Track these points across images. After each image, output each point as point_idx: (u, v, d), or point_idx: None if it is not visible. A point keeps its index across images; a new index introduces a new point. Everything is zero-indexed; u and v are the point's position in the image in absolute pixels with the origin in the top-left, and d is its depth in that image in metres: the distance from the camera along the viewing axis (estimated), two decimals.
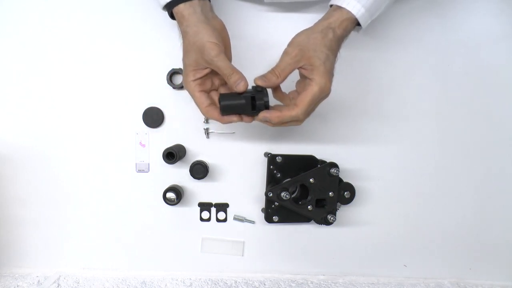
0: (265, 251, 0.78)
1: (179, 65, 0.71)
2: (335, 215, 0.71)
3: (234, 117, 0.56)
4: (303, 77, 0.57)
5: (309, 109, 0.55)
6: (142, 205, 0.75)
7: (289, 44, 0.56)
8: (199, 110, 0.57)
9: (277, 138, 0.75)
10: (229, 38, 0.59)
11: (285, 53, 0.55)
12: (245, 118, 0.57)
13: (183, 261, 0.77)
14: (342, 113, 0.75)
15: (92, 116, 0.73)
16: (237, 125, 0.73)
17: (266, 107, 0.55)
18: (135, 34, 0.71)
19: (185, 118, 0.73)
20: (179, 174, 0.74)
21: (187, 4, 0.54)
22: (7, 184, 0.74)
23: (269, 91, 0.57)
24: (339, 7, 0.56)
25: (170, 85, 0.71)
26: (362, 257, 0.79)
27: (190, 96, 0.57)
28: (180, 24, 0.55)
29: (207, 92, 0.57)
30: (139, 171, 0.75)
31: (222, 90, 0.59)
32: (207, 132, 0.74)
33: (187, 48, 0.55)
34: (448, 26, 0.74)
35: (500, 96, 0.76)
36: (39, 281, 0.74)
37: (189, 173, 0.71)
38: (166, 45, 0.71)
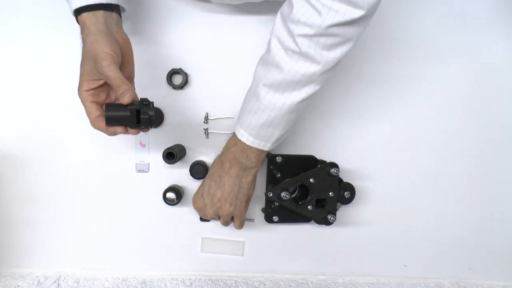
0: (265, 251, 0.78)
1: (179, 65, 0.71)
2: (335, 215, 0.71)
3: (119, 129, 0.55)
4: None
5: (199, 209, 0.67)
6: (142, 205, 0.75)
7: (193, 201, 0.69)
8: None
9: None
10: (132, 54, 0.59)
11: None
12: (130, 130, 0.56)
13: (183, 261, 0.77)
14: (342, 113, 0.75)
15: None
16: None
17: (151, 121, 0.55)
18: (135, 34, 0.71)
19: (185, 118, 0.73)
20: (179, 174, 0.74)
21: (90, 13, 0.53)
22: (7, 184, 0.74)
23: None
24: (233, 135, 0.63)
25: (170, 85, 0.71)
26: (362, 257, 0.79)
27: (84, 108, 0.56)
28: (81, 33, 0.55)
29: (101, 104, 0.56)
30: (139, 171, 0.75)
31: None
32: (207, 132, 0.74)
33: (84, 56, 0.54)
34: (448, 26, 0.74)
35: (500, 96, 0.76)
36: (39, 281, 0.74)
37: (189, 173, 0.71)
38: (166, 45, 0.71)
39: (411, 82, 0.75)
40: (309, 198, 0.70)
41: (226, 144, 0.64)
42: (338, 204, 0.73)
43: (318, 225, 0.73)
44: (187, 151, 0.74)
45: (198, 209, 0.67)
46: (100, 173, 0.74)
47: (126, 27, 0.71)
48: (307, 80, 0.53)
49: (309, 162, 0.72)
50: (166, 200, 0.71)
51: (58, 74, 0.72)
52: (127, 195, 0.75)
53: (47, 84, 0.72)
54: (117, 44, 0.54)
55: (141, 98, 0.55)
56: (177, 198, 0.71)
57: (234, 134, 0.62)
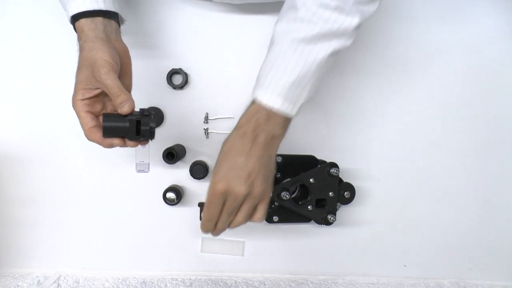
0: (265, 251, 0.78)
1: (179, 65, 0.71)
2: (335, 215, 0.71)
3: (116, 141, 0.52)
4: None
5: (209, 208, 0.53)
6: (142, 205, 0.75)
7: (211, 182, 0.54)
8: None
9: None
10: (130, 65, 0.56)
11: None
12: (128, 142, 0.53)
13: (183, 261, 0.77)
14: (342, 113, 0.75)
15: None
16: None
17: (152, 133, 0.52)
18: (135, 34, 0.71)
19: (185, 118, 0.73)
20: (179, 174, 0.74)
21: (88, 19, 0.52)
22: (7, 184, 0.74)
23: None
24: (253, 101, 0.53)
25: (170, 85, 0.71)
26: (362, 257, 0.79)
27: (78, 118, 0.53)
28: (79, 39, 0.53)
29: (96, 115, 0.53)
30: (139, 171, 0.75)
31: None
32: (207, 132, 0.74)
33: (80, 63, 0.51)
34: (448, 26, 0.74)
35: (500, 96, 0.76)
36: (39, 281, 0.74)
37: (189, 173, 0.71)
38: (166, 45, 0.71)
39: (411, 82, 0.75)
40: (309, 198, 0.70)
41: (243, 116, 0.55)
42: (338, 204, 0.73)
43: (318, 225, 0.73)
44: (187, 151, 0.74)
45: (224, 190, 0.51)
46: (100, 173, 0.74)
47: (126, 27, 0.71)
48: (341, 34, 0.51)
49: (309, 162, 0.72)
50: (166, 200, 0.71)
51: (58, 74, 0.72)
52: (127, 195, 0.75)
53: (47, 84, 0.72)
54: (116, 52, 0.52)
55: (140, 109, 0.53)
56: (177, 198, 0.71)
57: (252, 103, 0.54)
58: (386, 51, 0.74)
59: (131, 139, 0.52)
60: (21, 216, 0.75)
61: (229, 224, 0.55)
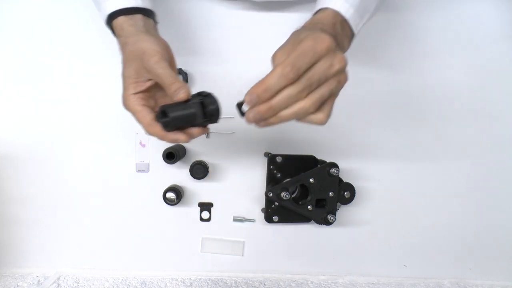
0: (265, 251, 0.78)
1: (179, 64, 0.71)
2: (335, 215, 0.71)
3: (180, 135, 0.47)
4: None
5: (298, 63, 0.39)
6: (142, 205, 0.75)
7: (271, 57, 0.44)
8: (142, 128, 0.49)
9: (277, 138, 0.75)
10: (174, 60, 0.52)
11: (271, 60, 0.43)
12: (195, 131, 0.48)
13: (183, 261, 0.77)
14: (342, 113, 0.75)
15: (92, 116, 0.73)
16: (237, 125, 0.73)
17: (218, 112, 0.48)
18: None
19: None
20: (179, 174, 0.74)
21: (128, 17, 0.50)
22: (7, 184, 0.74)
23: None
24: (325, 9, 0.47)
25: None
26: (362, 257, 0.79)
27: (132, 114, 0.49)
28: (119, 37, 0.51)
29: (152, 109, 0.50)
30: (139, 171, 0.75)
31: None
32: (207, 132, 0.74)
33: (126, 58, 0.49)
34: (448, 26, 0.74)
35: (500, 96, 0.76)
36: (39, 281, 0.74)
37: (189, 173, 0.71)
38: None
39: (411, 81, 0.75)
40: (309, 198, 0.70)
41: (316, 18, 0.47)
42: (338, 204, 0.73)
43: (318, 225, 0.73)
44: (187, 151, 0.74)
45: (328, 47, 0.40)
46: (100, 173, 0.74)
47: None
48: None
49: (309, 162, 0.72)
50: (166, 200, 0.71)
51: (58, 74, 0.72)
52: (127, 195, 0.75)
53: (47, 84, 0.72)
54: (162, 43, 0.49)
55: (193, 94, 0.49)
56: (177, 198, 0.71)
57: (320, 11, 0.48)
58: (386, 50, 0.74)
59: (198, 124, 0.48)
60: (21, 216, 0.75)
61: (281, 112, 0.42)
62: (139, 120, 0.48)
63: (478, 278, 0.80)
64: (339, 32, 0.47)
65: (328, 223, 0.70)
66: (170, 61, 0.50)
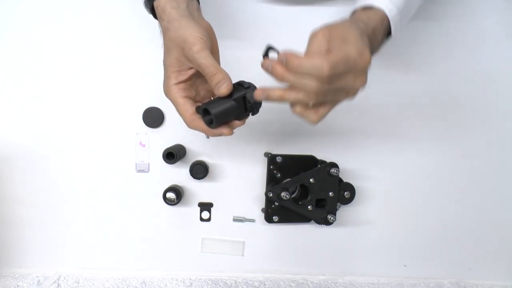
0: (265, 251, 0.78)
1: None
2: (335, 215, 0.71)
3: (224, 129, 0.48)
4: None
5: (337, 68, 0.40)
6: (142, 205, 0.75)
7: (314, 29, 0.44)
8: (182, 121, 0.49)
9: (277, 138, 0.75)
10: (217, 43, 0.51)
11: (312, 34, 0.44)
12: (236, 123, 0.49)
13: (183, 261, 0.77)
14: (342, 113, 0.75)
15: (92, 116, 0.73)
16: None
17: (260, 105, 0.49)
18: (135, 34, 0.71)
19: None
20: (179, 174, 0.74)
21: None
22: (7, 184, 0.74)
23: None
24: (368, 8, 0.48)
25: None
26: (362, 257, 0.79)
27: (174, 105, 0.49)
28: (161, 20, 0.49)
29: (194, 100, 0.50)
30: (139, 171, 0.75)
31: None
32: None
33: (168, 45, 0.48)
34: (449, 26, 0.74)
35: (500, 96, 0.76)
36: (39, 281, 0.74)
37: (189, 173, 0.71)
38: None
39: (411, 81, 0.75)
40: (309, 198, 0.70)
41: (365, 17, 0.48)
42: (338, 204, 0.73)
43: (318, 225, 0.73)
44: (187, 151, 0.74)
45: (369, 60, 0.43)
46: (100, 173, 0.74)
47: (126, 27, 0.71)
48: None
49: (309, 162, 0.72)
50: (166, 200, 0.71)
51: (58, 74, 0.72)
52: (127, 195, 0.75)
53: (47, 84, 0.72)
54: (204, 29, 0.48)
55: (238, 82, 0.48)
56: (177, 198, 0.71)
57: (371, 10, 0.48)
58: (386, 50, 0.74)
59: (241, 118, 0.49)
60: (21, 216, 0.75)
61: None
62: (180, 113, 0.48)
63: (478, 278, 0.80)
64: (378, 39, 0.48)
65: (328, 223, 0.70)
66: (213, 47, 0.50)
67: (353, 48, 0.41)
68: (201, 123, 0.47)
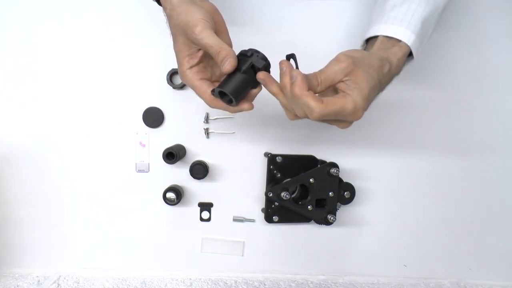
0: (265, 251, 0.78)
1: None
2: (335, 215, 0.71)
3: (244, 105, 0.50)
4: (333, 91, 0.49)
5: (326, 117, 0.46)
6: (142, 205, 0.75)
7: (341, 53, 0.48)
8: (203, 102, 0.51)
9: (277, 138, 0.75)
10: (224, 22, 0.52)
11: (336, 60, 0.47)
12: (254, 92, 0.50)
13: (183, 261, 0.77)
14: None
15: (92, 116, 0.73)
16: (237, 125, 0.73)
17: (269, 65, 0.50)
18: (135, 34, 0.71)
19: (185, 118, 0.73)
20: (179, 174, 0.74)
21: None
22: (7, 184, 0.74)
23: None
24: (395, 40, 0.50)
25: (170, 85, 0.71)
26: (362, 257, 0.79)
27: (192, 89, 0.50)
28: (165, 9, 0.50)
29: (211, 81, 0.51)
30: (139, 171, 0.75)
31: None
32: (207, 132, 0.74)
33: (173, 32, 0.49)
34: (449, 26, 0.74)
35: (501, 96, 0.76)
36: (39, 281, 0.74)
37: (189, 173, 0.71)
38: (166, 45, 0.71)
39: (411, 81, 0.75)
40: (309, 198, 0.70)
41: (387, 51, 0.50)
42: (338, 204, 0.73)
43: (318, 225, 0.73)
44: (187, 151, 0.74)
45: (361, 115, 0.48)
46: (100, 173, 0.74)
47: (126, 28, 0.71)
48: None
49: (309, 162, 0.72)
50: (166, 200, 0.71)
51: (58, 74, 0.72)
52: (127, 195, 0.75)
53: (47, 84, 0.72)
54: (206, 11, 0.48)
55: (240, 52, 0.49)
56: (177, 198, 0.71)
57: (396, 44, 0.50)
58: None
59: (256, 86, 0.50)
60: (21, 216, 0.75)
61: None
62: (199, 95, 0.50)
63: (478, 278, 0.80)
64: (394, 72, 0.51)
65: (328, 223, 0.70)
66: (219, 27, 0.51)
67: (351, 104, 0.45)
68: (221, 102, 0.49)
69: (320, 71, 0.47)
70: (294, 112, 0.48)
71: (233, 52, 0.47)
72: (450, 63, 0.75)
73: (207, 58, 0.50)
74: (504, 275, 0.81)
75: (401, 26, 0.50)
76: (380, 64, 0.48)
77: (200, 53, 0.49)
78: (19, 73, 0.72)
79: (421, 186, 0.77)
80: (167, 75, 0.71)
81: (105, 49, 0.72)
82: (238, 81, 0.48)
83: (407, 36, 0.50)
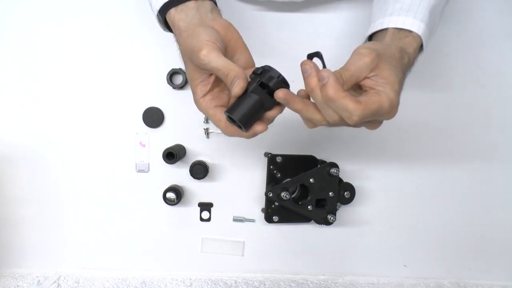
0: (265, 251, 0.78)
1: (179, 65, 0.71)
2: (335, 215, 0.71)
3: (258, 127, 0.45)
4: (359, 89, 0.45)
5: (364, 118, 0.41)
6: (142, 205, 0.75)
7: (362, 47, 0.44)
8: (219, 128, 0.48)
9: (277, 138, 0.75)
10: (241, 38, 0.48)
11: (358, 54, 0.43)
12: (271, 114, 0.45)
13: (183, 261, 0.77)
14: None
15: (92, 116, 0.73)
16: None
17: (284, 82, 0.44)
18: (135, 34, 0.71)
19: (185, 118, 0.73)
20: (179, 174, 0.74)
21: (178, 8, 0.46)
22: (7, 184, 0.74)
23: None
24: (406, 31, 0.47)
25: (170, 85, 0.71)
26: (362, 257, 0.79)
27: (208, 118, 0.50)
28: (174, 35, 0.49)
29: (226, 105, 0.48)
30: (139, 171, 0.75)
31: None
32: (207, 132, 0.74)
33: (183, 59, 0.47)
34: (450, 25, 0.74)
35: (501, 96, 0.76)
36: (39, 281, 0.74)
37: (189, 173, 0.71)
38: (166, 45, 0.71)
39: (411, 82, 0.75)
40: (309, 198, 0.70)
41: (402, 43, 0.48)
42: (338, 204, 0.73)
43: (318, 225, 0.73)
44: (187, 151, 0.74)
45: (394, 114, 0.45)
46: (100, 173, 0.74)
47: (126, 28, 0.71)
48: None
49: (309, 162, 0.72)
50: (166, 200, 0.71)
51: (58, 74, 0.72)
52: (127, 195, 0.75)
53: (47, 84, 0.72)
54: (213, 30, 0.45)
55: (253, 71, 0.44)
56: (177, 198, 0.71)
57: (409, 35, 0.48)
58: None
59: (270, 106, 0.44)
60: (21, 216, 0.75)
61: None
62: (215, 124, 0.47)
63: (478, 278, 0.80)
64: (411, 64, 0.49)
65: (328, 223, 0.70)
66: (233, 43, 0.48)
67: (387, 102, 0.42)
68: (236, 129, 0.46)
69: (343, 68, 0.43)
70: (325, 118, 0.43)
71: (243, 72, 0.43)
72: (450, 64, 0.75)
73: (222, 82, 0.46)
74: (504, 275, 0.81)
75: (408, 17, 0.47)
76: (401, 56, 0.45)
77: (212, 78, 0.46)
78: (19, 73, 0.72)
79: (421, 186, 0.77)
80: (167, 75, 0.71)
81: (105, 49, 0.72)
82: (248, 104, 0.43)
83: (416, 25, 0.47)
